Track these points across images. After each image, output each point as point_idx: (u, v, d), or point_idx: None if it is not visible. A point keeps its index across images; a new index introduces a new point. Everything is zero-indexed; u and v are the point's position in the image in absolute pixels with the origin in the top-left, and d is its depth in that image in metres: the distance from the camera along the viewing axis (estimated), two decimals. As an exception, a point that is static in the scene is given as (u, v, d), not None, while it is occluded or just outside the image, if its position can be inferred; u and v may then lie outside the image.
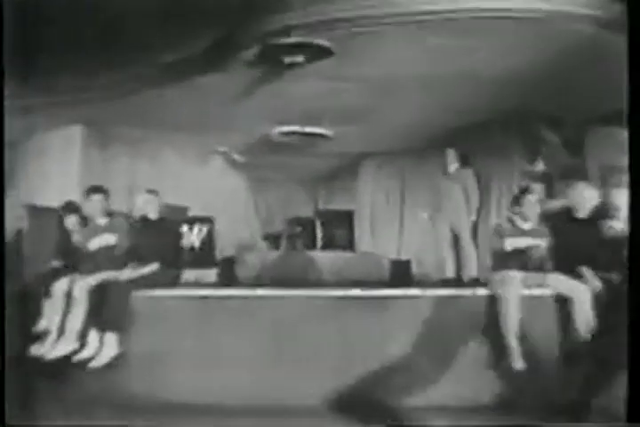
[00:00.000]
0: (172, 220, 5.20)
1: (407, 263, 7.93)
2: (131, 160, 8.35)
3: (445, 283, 6.78)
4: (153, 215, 4.85)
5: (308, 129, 7.84)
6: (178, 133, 8.29)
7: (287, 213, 10.64)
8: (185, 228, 7.57)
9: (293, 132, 7.87)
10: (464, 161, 7.06)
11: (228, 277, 7.56)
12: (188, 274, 7.24)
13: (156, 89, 6.36)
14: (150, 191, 4.96)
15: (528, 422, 3.69)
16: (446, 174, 7.07)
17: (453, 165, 7.00)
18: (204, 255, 7.56)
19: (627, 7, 3.22)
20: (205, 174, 9.14)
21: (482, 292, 4.26)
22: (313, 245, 9.41)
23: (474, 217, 6.87)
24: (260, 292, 4.58)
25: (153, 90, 6.45)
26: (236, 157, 9.70)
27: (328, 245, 9.28)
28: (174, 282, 4.73)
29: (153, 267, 4.57)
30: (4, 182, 3.28)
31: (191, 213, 8.04)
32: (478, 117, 7.15)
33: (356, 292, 4.38)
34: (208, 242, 7.62)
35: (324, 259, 7.87)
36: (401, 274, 7.33)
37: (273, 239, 9.63)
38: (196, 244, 7.59)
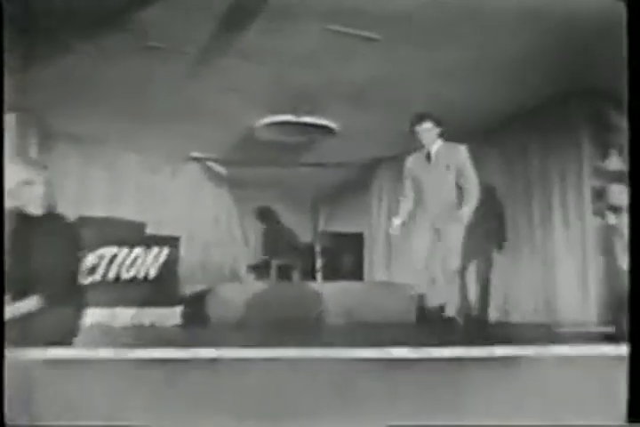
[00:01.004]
0: (68, 221, 3.15)
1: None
2: (81, 165, 6.43)
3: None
4: (35, 210, 2.86)
5: (306, 119, 5.91)
6: (142, 131, 6.41)
7: (279, 238, 8.63)
8: (138, 250, 5.56)
9: (285, 124, 5.93)
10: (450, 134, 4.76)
11: (197, 318, 5.58)
12: (141, 315, 5.25)
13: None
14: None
15: None
16: (428, 160, 4.74)
17: (432, 139, 4.68)
18: (162, 288, 5.53)
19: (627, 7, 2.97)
20: (175, 185, 7.17)
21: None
22: (312, 276, 7.40)
23: (467, 208, 4.57)
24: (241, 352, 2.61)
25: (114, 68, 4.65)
26: (215, 166, 7.76)
27: (331, 274, 7.26)
28: (73, 331, 2.72)
29: (31, 302, 2.57)
30: (3, 184, 2.74)
31: (150, 232, 6.04)
32: (532, 99, 5.24)
33: (399, 351, 2.34)
34: (169, 270, 5.58)
35: (327, 292, 5.94)
36: (433, 314, 5.31)
37: (260, 269, 7.60)
38: (152, 272, 5.55)
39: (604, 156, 4.89)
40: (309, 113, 5.84)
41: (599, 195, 4.73)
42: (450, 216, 4.58)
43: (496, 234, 5.99)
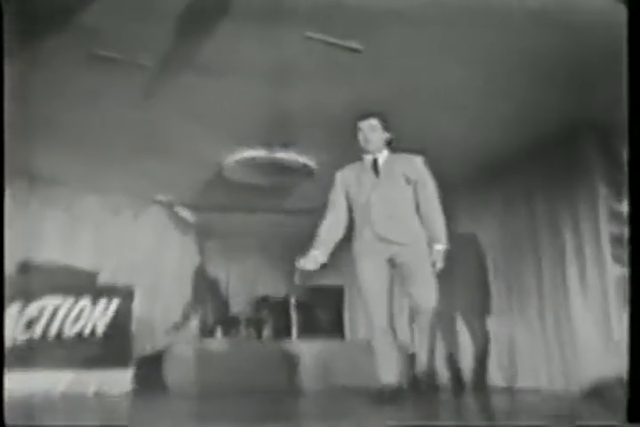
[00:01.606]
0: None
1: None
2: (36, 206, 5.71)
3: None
4: None
5: (280, 155, 5.28)
6: (101, 169, 5.74)
7: (252, 290, 7.91)
8: (85, 302, 4.78)
9: (257, 161, 5.29)
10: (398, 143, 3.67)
11: (151, 383, 4.79)
12: (84, 379, 4.48)
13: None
14: None
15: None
16: (375, 171, 3.58)
17: (378, 144, 3.59)
18: (111, 347, 4.73)
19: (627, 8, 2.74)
20: (136, 230, 6.44)
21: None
22: (286, 333, 6.62)
23: (440, 245, 3.46)
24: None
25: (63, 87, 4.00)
26: (182, 211, 7.07)
27: (307, 331, 6.49)
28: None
29: None
30: (3, 186, 2.66)
31: (102, 281, 5.27)
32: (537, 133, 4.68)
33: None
34: (120, 326, 4.78)
35: (303, 351, 5.20)
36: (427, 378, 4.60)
37: (227, 324, 6.82)
38: (100, 328, 4.76)
39: (620, 196, 4.32)
40: (285, 147, 5.20)
41: (618, 240, 4.12)
42: (416, 249, 3.44)
43: (489, 290, 5.36)
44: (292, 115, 4.60)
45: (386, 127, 3.60)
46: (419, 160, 3.59)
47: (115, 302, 4.81)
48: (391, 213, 3.45)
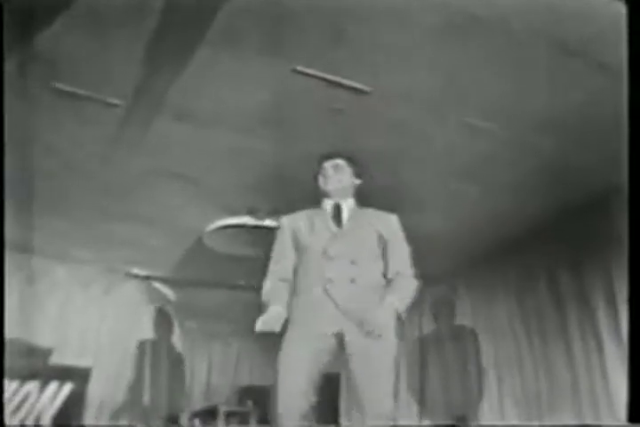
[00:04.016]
0: None
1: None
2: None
3: None
4: None
5: (268, 223, 4.66)
6: (71, 235, 5.18)
7: (235, 379, 7.13)
8: (31, 386, 4.03)
9: (241, 228, 4.70)
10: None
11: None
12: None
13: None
14: None
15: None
16: (337, 221, 2.79)
17: (344, 190, 2.84)
18: (57, 442, 3.93)
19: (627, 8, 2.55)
20: (106, 306, 5.76)
21: None
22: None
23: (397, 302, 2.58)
24: None
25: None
26: (162, 288, 6.42)
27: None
28: None
29: None
30: (3, 193, 2.57)
31: (56, 361, 4.53)
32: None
33: None
34: (70, 416, 4.01)
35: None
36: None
37: (206, 417, 5.99)
38: (46, 418, 3.98)
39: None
40: (273, 214, 4.59)
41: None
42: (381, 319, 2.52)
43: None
44: (281, 174, 4.08)
45: (355, 173, 2.90)
46: (393, 218, 2.84)
47: (67, 387, 4.05)
48: (354, 275, 2.61)
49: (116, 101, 3.20)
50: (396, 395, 2.46)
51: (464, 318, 5.18)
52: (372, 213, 2.83)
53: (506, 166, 3.60)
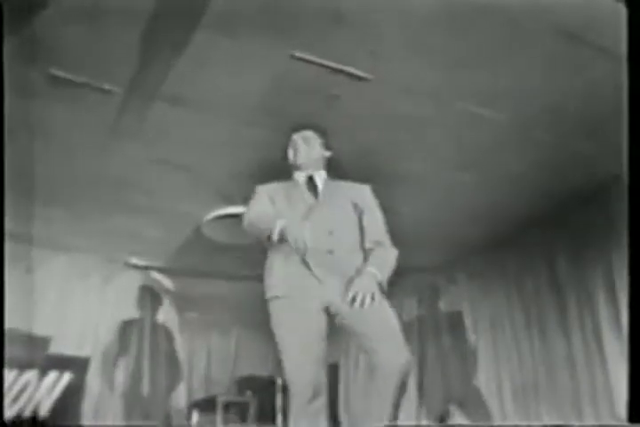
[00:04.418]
0: None
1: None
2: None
3: None
4: None
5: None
6: (71, 226, 5.14)
7: (234, 368, 7.11)
8: (30, 375, 4.02)
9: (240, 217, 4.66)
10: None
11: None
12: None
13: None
14: None
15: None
16: (313, 192, 2.72)
17: (315, 161, 2.78)
18: (55, 432, 3.93)
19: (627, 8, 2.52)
20: (104, 296, 5.74)
21: None
22: (271, 419, 5.79)
23: (376, 271, 2.50)
24: None
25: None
26: (160, 277, 6.40)
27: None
28: None
29: None
30: (4, 195, 2.53)
31: (55, 351, 4.52)
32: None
33: None
34: (69, 406, 4.00)
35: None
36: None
37: (204, 407, 5.98)
38: (45, 408, 3.97)
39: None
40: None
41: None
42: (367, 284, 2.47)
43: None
44: (279, 163, 4.05)
45: (325, 145, 2.83)
46: (367, 188, 2.79)
47: (65, 377, 4.04)
48: (332, 246, 2.56)
49: (112, 88, 3.17)
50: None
51: (462, 307, 5.18)
52: (344, 185, 2.78)
53: (507, 155, 3.57)
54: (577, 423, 3.93)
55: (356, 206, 2.69)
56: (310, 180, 2.75)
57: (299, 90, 3.15)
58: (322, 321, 2.49)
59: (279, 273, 2.56)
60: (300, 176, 2.76)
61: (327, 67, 2.93)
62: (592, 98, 3.10)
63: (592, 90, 3.05)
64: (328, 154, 2.83)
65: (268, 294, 2.55)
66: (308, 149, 2.77)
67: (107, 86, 3.15)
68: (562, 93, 3.06)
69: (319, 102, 3.20)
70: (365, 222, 2.68)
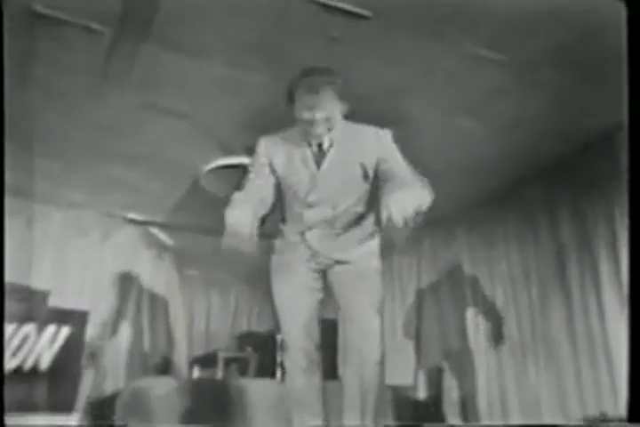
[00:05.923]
0: None
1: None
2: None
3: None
4: None
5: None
6: (67, 181, 5.06)
7: (234, 325, 7.14)
8: (29, 328, 4.01)
9: (240, 169, 4.58)
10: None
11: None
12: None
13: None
14: None
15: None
16: (320, 152, 2.45)
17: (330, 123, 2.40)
18: (55, 386, 3.93)
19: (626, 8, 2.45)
20: (103, 252, 5.70)
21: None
22: (271, 374, 5.82)
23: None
24: None
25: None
26: (159, 233, 6.35)
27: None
28: None
29: None
30: (3, 187, 2.44)
31: (53, 304, 4.49)
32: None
33: None
34: (68, 359, 4.01)
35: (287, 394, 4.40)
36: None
37: (206, 364, 6.01)
38: (45, 361, 3.97)
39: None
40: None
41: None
42: (360, 268, 2.49)
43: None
44: (278, 110, 3.93)
45: (342, 94, 2.36)
46: (387, 135, 2.47)
47: (65, 330, 4.03)
48: (333, 219, 2.47)
49: (100, 28, 3.02)
50: (381, 312, 2.47)
51: (462, 262, 5.15)
52: (358, 138, 2.45)
53: (511, 101, 3.47)
54: (576, 422, 3.93)
55: (365, 173, 2.43)
56: (319, 145, 2.44)
57: (296, 31, 3.03)
58: (317, 278, 2.52)
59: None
60: (309, 132, 2.39)
61: (324, 4, 2.79)
62: (595, 40, 2.98)
63: (595, 32, 2.92)
64: (343, 107, 2.39)
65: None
66: (323, 101, 2.31)
67: (95, 26, 3.01)
68: (567, 36, 2.94)
69: (318, 44, 3.07)
70: (388, 169, 2.38)
